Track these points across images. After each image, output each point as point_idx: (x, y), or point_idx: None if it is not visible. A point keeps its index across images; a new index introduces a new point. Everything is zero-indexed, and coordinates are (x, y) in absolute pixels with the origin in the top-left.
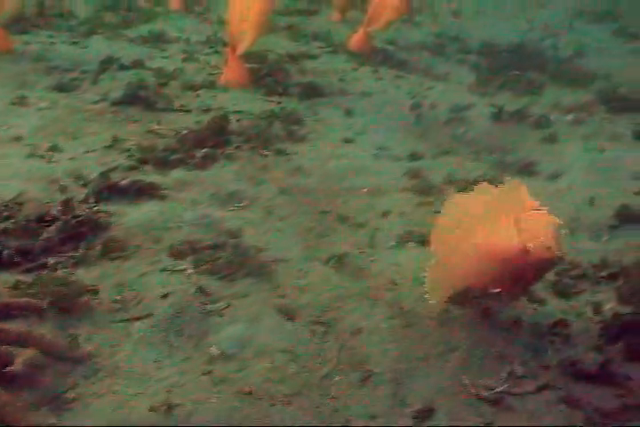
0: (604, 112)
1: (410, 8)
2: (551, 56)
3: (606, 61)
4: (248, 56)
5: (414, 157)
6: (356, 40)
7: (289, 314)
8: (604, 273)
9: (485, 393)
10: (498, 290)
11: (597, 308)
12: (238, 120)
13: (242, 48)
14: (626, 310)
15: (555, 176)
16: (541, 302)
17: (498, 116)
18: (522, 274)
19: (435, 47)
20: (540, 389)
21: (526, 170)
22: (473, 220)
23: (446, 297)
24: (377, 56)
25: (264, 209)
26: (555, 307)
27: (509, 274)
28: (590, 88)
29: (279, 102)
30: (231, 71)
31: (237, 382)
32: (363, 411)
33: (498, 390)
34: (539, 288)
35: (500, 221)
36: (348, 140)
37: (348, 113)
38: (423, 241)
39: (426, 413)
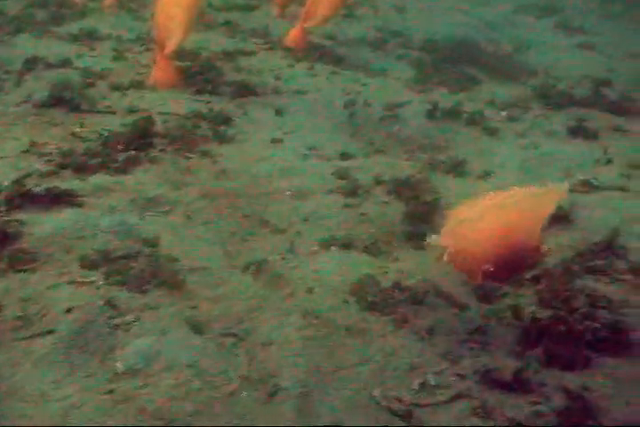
0: (540, 108)
1: (349, 2)
2: (491, 51)
3: (547, 56)
4: (180, 54)
5: (344, 156)
6: (293, 36)
7: (199, 326)
8: (527, 275)
9: (396, 406)
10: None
11: (518, 312)
12: (164, 121)
13: (170, 46)
14: (546, 313)
15: (485, 175)
16: (463, 306)
17: (432, 113)
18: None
19: (375, 42)
20: (453, 399)
21: (457, 169)
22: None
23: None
24: (314, 52)
25: (184, 214)
26: (476, 312)
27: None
28: (528, 83)
29: (208, 102)
30: (160, 71)
31: (139, 401)
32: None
33: (408, 402)
34: (461, 293)
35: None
36: (277, 141)
37: (280, 112)
38: (346, 245)
39: None
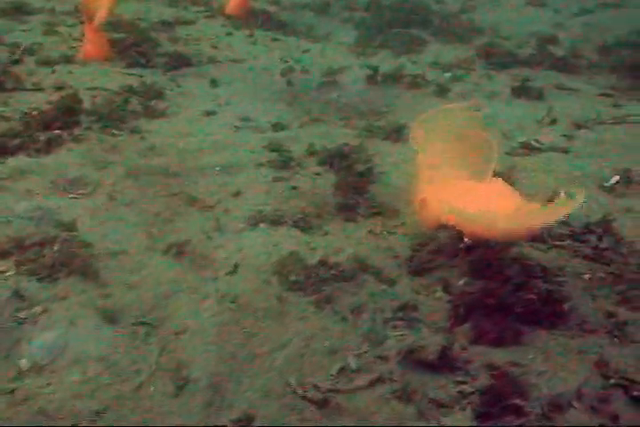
0: (484, 68)
1: None
2: (438, 10)
3: (496, 14)
4: (116, 25)
5: (279, 127)
6: (233, 3)
7: (111, 316)
8: (461, 245)
9: (312, 393)
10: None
11: (447, 285)
12: (93, 97)
13: (99, 18)
14: (477, 285)
15: None
16: (392, 282)
17: (373, 77)
18: None
19: (319, 6)
20: (373, 383)
21: (396, 134)
22: None
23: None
24: (256, 19)
25: (107, 195)
26: (405, 287)
27: None
28: (474, 43)
29: (141, 76)
30: (90, 44)
31: (41, 400)
32: (174, 424)
33: (325, 388)
34: (391, 266)
35: None
36: (210, 113)
37: (215, 83)
38: (275, 221)
39: (243, 421)
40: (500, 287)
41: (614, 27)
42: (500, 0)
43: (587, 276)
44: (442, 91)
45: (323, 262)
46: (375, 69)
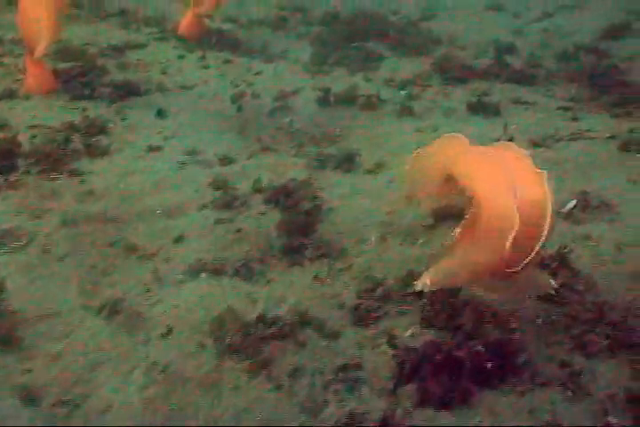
0: (440, 83)
1: None
2: (397, 21)
3: (455, 21)
4: (63, 52)
5: (226, 160)
6: (186, 24)
7: (31, 395)
8: (410, 289)
9: None
10: None
11: (392, 339)
12: (32, 137)
13: (39, 51)
14: (426, 336)
15: (377, 167)
16: (335, 335)
17: (326, 99)
18: None
19: (276, 21)
20: None
21: (347, 162)
22: None
23: None
24: (211, 39)
25: (41, 248)
26: (349, 341)
27: None
28: (431, 56)
29: (84, 109)
30: (32, 77)
31: None
32: None
33: None
34: (336, 317)
35: None
36: (154, 149)
37: (162, 114)
38: (216, 270)
39: None
40: (448, 340)
41: (575, 31)
42: (460, 6)
43: (539, 321)
44: (397, 110)
45: (261, 318)
46: (327, 91)
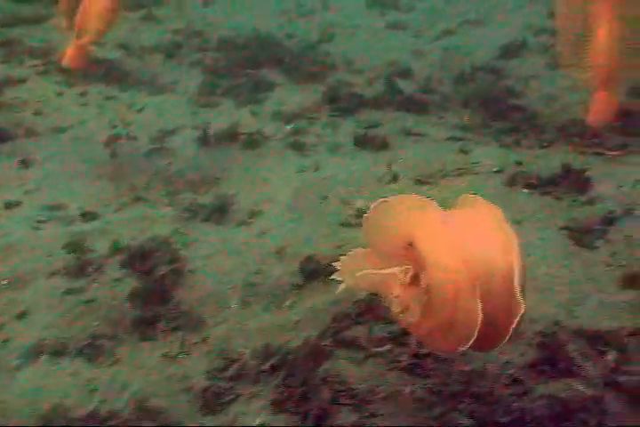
0: (328, 115)
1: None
2: (294, 44)
3: (353, 43)
4: None
5: (89, 216)
6: (70, 55)
7: None
8: (266, 365)
9: None
10: None
11: None
12: None
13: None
14: (279, 421)
15: (251, 217)
16: None
17: (205, 138)
18: None
19: (169, 48)
20: None
21: (219, 213)
22: None
23: None
24: (98, 70)
25: None
26: None
27: None
28: (325, 82)
29: None
30: None
31: None
32: None
33: None
34: (180, 402)
35: None
36: (11, 205)
37: (26, 163)
38: (57, 352)
39: None
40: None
41: (476, 50)
42: (360, 25)
43: (400, 398)
44: (280, 148)
45: (92, 416)
46: (206, 130)
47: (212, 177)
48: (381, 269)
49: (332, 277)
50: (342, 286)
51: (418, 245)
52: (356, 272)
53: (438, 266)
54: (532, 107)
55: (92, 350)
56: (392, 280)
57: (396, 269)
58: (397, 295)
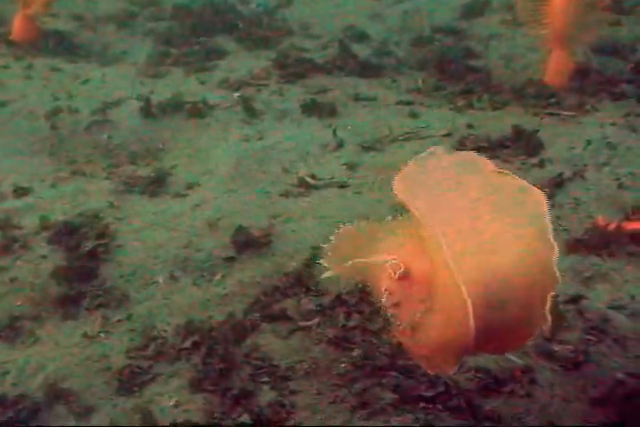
0: (277, 81)
1: None
2: (249, 10)
3: (314, 8)
4: None
5: (21, 191)
6: (17, 27)
7: None
8: (187, 343)
9: None
10: None
11: (148, 414)
12: None
13: None
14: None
15: (188, 188)
16: (89, 410)
17: (147, 109)
18: None
19: (123, 18)
20: None
21: (156, 185)
22: None
23: None
24: (48, 42)
25: None
26: (103, 417)
27: None
28: (277, 49)
29: None
30: None
31: None
32: None
33: None
34: (97, 384)
35: None
36: None
37: None
38: None
39: None
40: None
41: (437, 11)
42: None
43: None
44: (225, 117)
45: (3, 399)
46: (147, 100)
47: (154, 149)
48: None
49: (320, 261)
50: (328, 273)
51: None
52: (345, 258)
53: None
54: (490, 68)
55: (10, 331)
56: (382, 272)
57: (386, 260)
58: (387, 289)
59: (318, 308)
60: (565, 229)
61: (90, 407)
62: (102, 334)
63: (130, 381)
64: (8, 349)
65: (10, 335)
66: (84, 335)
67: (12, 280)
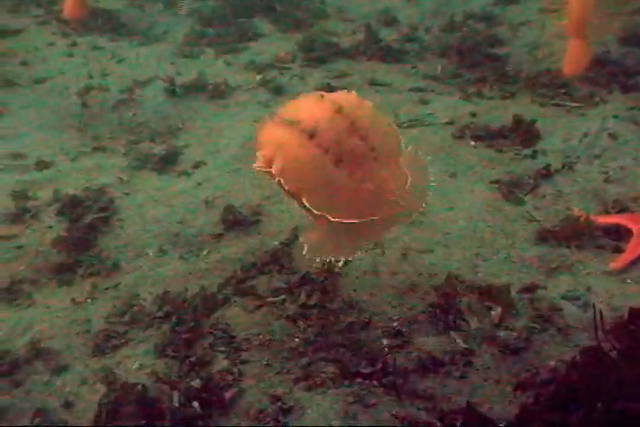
0: (300, 65)
1: None
2: None
3: None
4: None
5: (43, 164)
6: (69, 5)
7: None
8: (161, 312)
9: None
10: None
11: (112, 380)
12: None
13: None
14: (159, 367)
15: (194, 167)
16: (62, 369)
17: (172, 89)
18: None
19: None
20: None
21: (166, 163)
22: None
23: None
24: (97, 20)
25: None
26: (75, 376)
27: None
28: (309, 32)
29: None
30: None
31: None
32: None
33: None
34: (75, 345)
35: None
36: None
37: (0, 112)
38: None
39: None
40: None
41: None
42: None
43: (276, 344)
44: (244, 99)
45: None
46: (172, 80)
47: (174, 128)
48: None
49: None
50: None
51: None
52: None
53: None
54: (512, 56)
55: (8, 294)
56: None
57: None
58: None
59: (286, 285)
60: (538, 220)
61: (65, 366)
62: (88, 301)
63: (104, 344)
64: (4, 310)
65: (9, 297)
66: (73, 300)
67: (19, 247)
